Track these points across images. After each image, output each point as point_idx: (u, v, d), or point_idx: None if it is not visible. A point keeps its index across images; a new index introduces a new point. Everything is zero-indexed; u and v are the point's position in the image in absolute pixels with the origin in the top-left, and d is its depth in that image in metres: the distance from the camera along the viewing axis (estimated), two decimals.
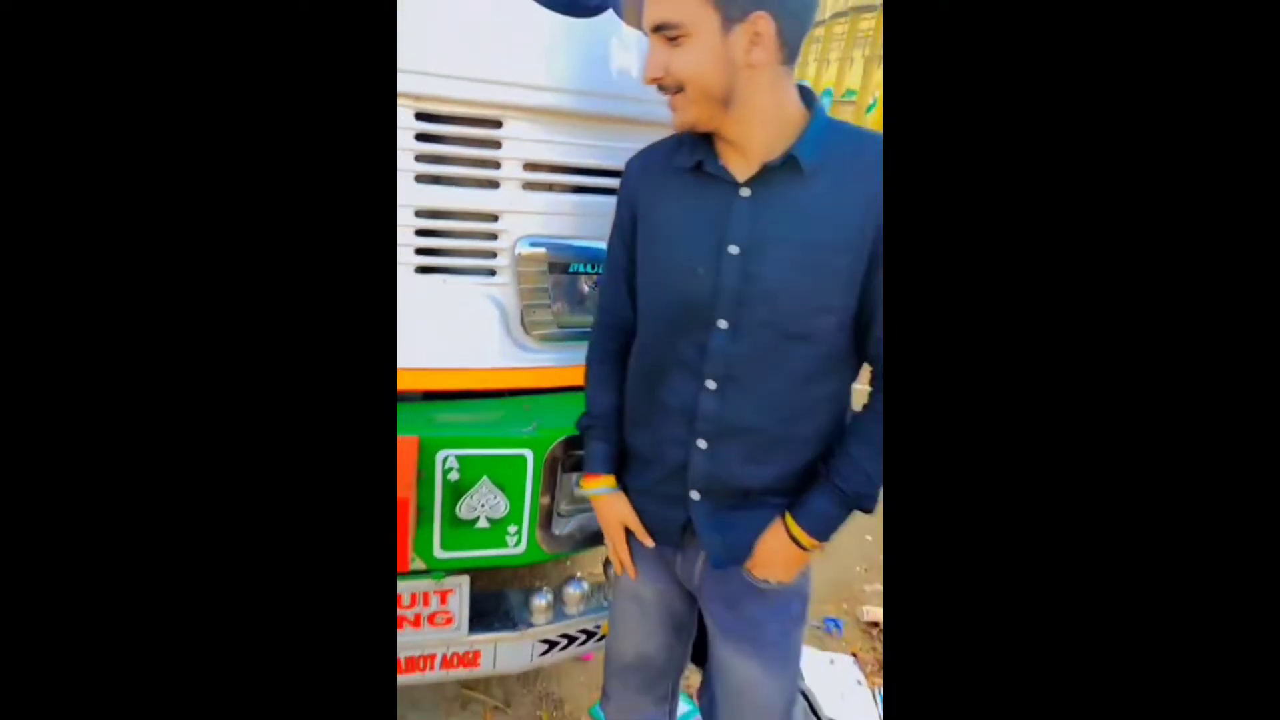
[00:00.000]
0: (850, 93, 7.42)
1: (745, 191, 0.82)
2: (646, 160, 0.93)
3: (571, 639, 1.34)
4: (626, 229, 0.94)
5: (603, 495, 1.01)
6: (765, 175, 0.81)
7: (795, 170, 0.79)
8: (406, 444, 1.06)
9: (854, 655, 1.91)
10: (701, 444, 0.89)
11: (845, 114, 7.43)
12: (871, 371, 0.89)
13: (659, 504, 0.97)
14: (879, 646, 1.96)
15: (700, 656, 1.14)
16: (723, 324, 0.84)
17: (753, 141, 0.80)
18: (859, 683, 1.80)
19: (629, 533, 1.02)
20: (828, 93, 7.91)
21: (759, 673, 0.99)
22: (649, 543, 1.00)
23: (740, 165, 0.82)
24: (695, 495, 0.92)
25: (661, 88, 0.80)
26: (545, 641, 1.31)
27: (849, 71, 7.50)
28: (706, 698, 1.15)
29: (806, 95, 0.83)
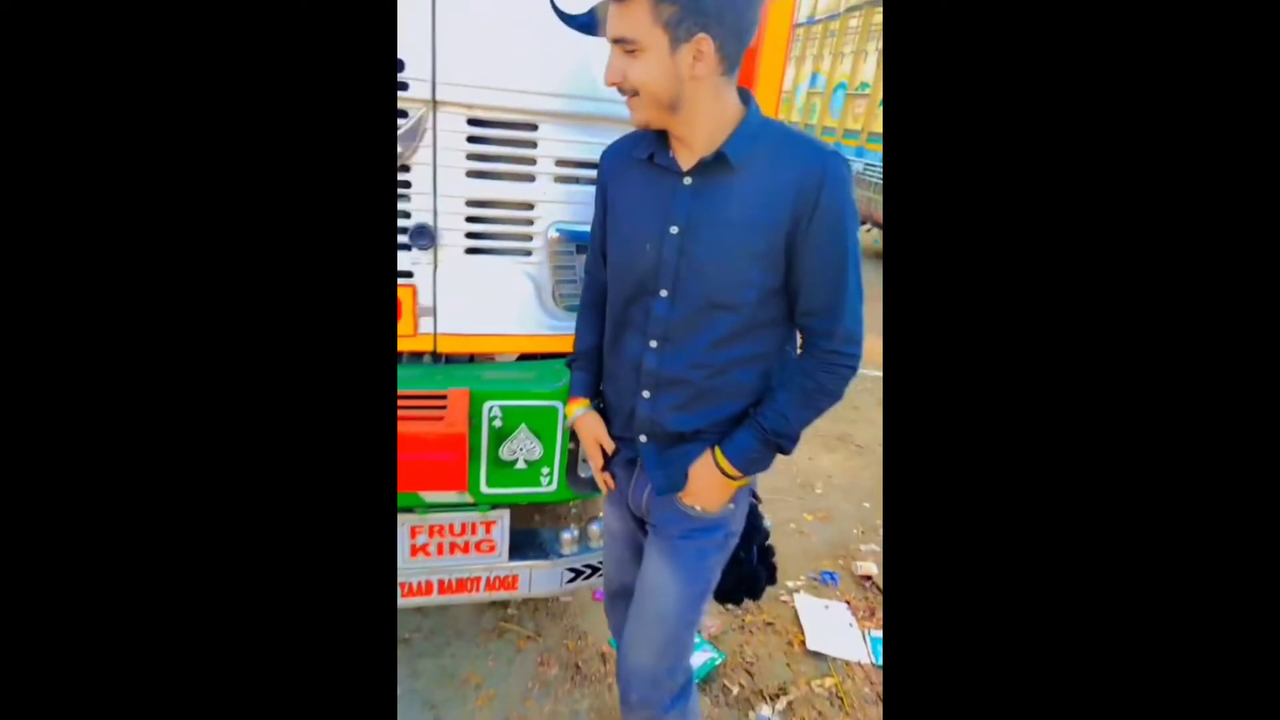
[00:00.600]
0: (864, 85, 7.51)
1: (688, 180, 0.96)
2: (614, 152, 1.08)
3: (594, 569, 1.55)
4: (600, 209, 1.11)
5: (580, 415, 1.19)
6: (702, 167, 0.95)
7: (725, 163, 0.93)
8: (460, 395, 1.28)
9: (847, 603, 2.11)
10: (645, 394, 1.06)
11: (860, 107, 7.54)
12: (801, 337, 1.04)
13: (620, 445, 1.16)
14: (870, 596, 2.15)
15: (721, 596, 1.29)
16: (663, 292, 1.00)
17: (696, 139, 0.95)
18: (850, 625, 2.01)
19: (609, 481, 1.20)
20: (842, 86, 8.00)
21: (668, 578, 1.12)
22: (610, 450, 1.17)
23: (686, 157, 0.97)
24: (643, 439, 1.09)
25: (620, 90, 0.93)
26: (572, 570, 1.53)
27: (862, 65, 7.59)
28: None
29: (746, 98, 0.97)
